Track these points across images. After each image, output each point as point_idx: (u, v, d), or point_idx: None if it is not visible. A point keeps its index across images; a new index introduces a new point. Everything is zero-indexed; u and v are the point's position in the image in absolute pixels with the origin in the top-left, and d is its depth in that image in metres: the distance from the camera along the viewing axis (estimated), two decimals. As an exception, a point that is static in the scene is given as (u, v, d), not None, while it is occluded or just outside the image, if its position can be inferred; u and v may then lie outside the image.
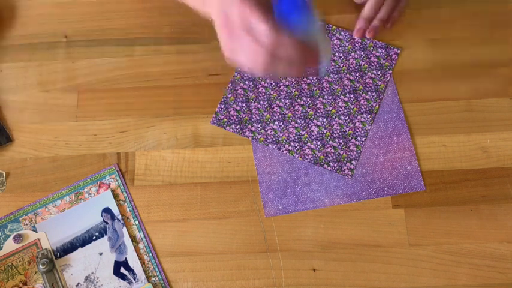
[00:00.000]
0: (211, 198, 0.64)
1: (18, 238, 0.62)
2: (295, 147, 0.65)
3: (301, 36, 0.46)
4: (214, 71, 0.70)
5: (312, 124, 0.66)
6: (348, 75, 0.68)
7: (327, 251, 0.61)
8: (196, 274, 0.60)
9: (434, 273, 0.59)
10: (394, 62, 0.68)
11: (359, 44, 0.70)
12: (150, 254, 0.61)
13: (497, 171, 0.63)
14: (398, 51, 0.69)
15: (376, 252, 0.60)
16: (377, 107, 0.66)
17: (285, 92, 0.68)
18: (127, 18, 0.74)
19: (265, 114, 0.67)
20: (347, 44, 0.70)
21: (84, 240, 0.62)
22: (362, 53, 0.70)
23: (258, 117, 0.67)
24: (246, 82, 0.69)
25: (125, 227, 0.62)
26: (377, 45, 0.70)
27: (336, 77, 0.68)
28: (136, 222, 0.63)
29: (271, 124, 0.66)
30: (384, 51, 0.69)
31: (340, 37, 0.71)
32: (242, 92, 0.68)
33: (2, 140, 0.67)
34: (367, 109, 0.66)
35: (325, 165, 0.64)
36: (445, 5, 0.73)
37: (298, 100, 0.67)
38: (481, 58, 0.69)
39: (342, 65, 0.69)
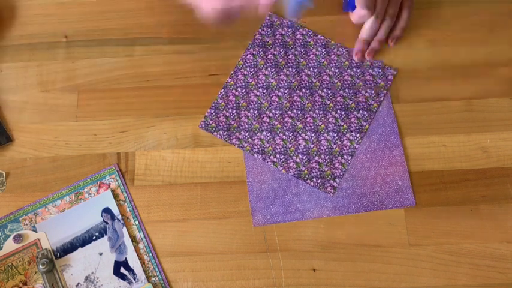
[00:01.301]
0: (211, 198, 0.64)
1: (18, 238, 0.62)
2: (281, 159, 0.64)
3: None
4: (214, 71, 0.70)
5: (300, 138, 0.65)
6: (341, 92, 0.68)
7: (327, 251, 0.61)
8: (196, 274, 0.60)
9: (434, 273, 0.59)
10: (389, 82, 0.68)
11: (356, 61, 0.69)
12: (150, 254, 0.61)
13: (497, 171, 0.63)
14: (395, 72, 0.68)
15: (376, 252, 0.60)
16: (367, 126, 0.66)
17: (276, 103, 0.67)
18: (127, 18, 0.74)
19: (254, 123, 0.66)
20: (344, 61, 0.69)
21: (84, 240, 0.62)
22: (358, 71, 0.69)
23: (246, 126, 0.66)
24: (239, 89, 0.68)
25: (125, 227, 0.62)
26: (374, 65, 0.69)
27: (329, 92, 0.68)
28: (136, 222, 0.63)
29: (259, 134, 0.66)
30: (380, 71, 0.69)
31: (338, 53, 0.70)
32: (233, 99, 0.68)
33: (2, 140, 0.67)
34: (357, 128, 0.66)
35: (308, 181, 0.63)
36: (445, 5, 0.73)
37: (289, 112, 0.67)
38: (481, 58, 0.69)
39: (336, 81, 0.68)
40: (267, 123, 0.67)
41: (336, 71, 0.69)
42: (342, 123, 0.66)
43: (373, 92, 0.67)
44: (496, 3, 0.72)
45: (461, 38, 0.71)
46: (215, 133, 0.66)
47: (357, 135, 0.65)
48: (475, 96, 0.67)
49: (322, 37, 0.71)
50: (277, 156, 0.65)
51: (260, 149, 0.65)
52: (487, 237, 0.60)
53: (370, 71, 0.69)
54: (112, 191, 0.64)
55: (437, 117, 0.66)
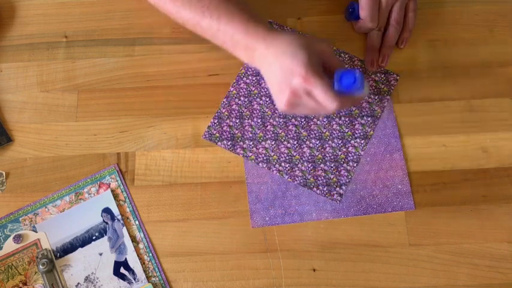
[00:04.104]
0: (211, 198, 0.64)
1: (18, 238, 0.62)
2: (286, 168, 0.64)
3: (352, 94, 0.54)
4: (214, 71, 0.70)
5: (305, 145, 0.65)
6: None
7: (327, 251, 0.61)
8: (196, 274, 0.60)
9: (434, 273, 0.59)
10: (392, 87, 0.67)
11: (358, 67, 0.69)
12: (150, 254, 0.61)
13: (497, 171, 0.63)
14: (398, 77, 0.68)
15: (376, 252, 0.60)
16: (371, 132, 0.65)
17: (279, 111, 0.67)
18: (127, 18, 0.74)
19: (258, 132, 0.66)
20: (346, 66, 0.69)
21: (84, 240, 0.62)
22: None
23: (250, 135, 0.66)
24: (242, 98, 0.68)
25: (125, 227, 0.62)
26: (377, 70, 0.69)
27: None
28: (136, 222, 0.63)
29: (263, 142, 0.65)
30: (383, 76, 0.68)
31: (340, 58, 0.69)
32: (237, 108, 0.67)
33: (2, 140, 0.67)
34: (362, 134, 0.65)
35: (315, 189, 0.63)
36: (445, 5, 0.73)
37: (292, 120, 0.66)
38: (481, 58, 0.69)
39: None
40: (271, 132, 0.66)
41: None
42: (347, 130, 0.66)
43: (376, 97, 0.67)
44: (496, 3, 0.72)
45: (461, 38, 0.71)
46: (219, 143, 0.66)
47: (362, 141, 0.65)
48: (475, 96, 0.67)
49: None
50: (283, 164, 0.64)
51: (265, 158, 0.65)
52: (487, 237, 0.60)
53: (373, 76, 0.68)
54: (112, 191, 0.64)
55: (437, 117, 0.66)
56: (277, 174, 0.64)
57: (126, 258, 0.61)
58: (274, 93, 0.54)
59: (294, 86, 0.52)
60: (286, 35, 0.54)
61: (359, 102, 0.59)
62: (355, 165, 0.64)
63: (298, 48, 0.52)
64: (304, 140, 0.65)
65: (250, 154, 0.65)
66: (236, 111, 0.67)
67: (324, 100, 0.51)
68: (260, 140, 0.66)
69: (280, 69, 0.53)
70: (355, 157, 0.64)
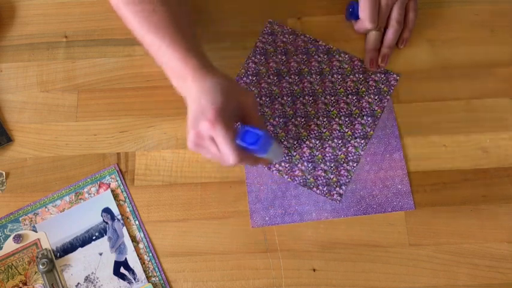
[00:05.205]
0: (211, 198, 0.64)
1: (18, 238, 0.62)
2: (286, 167, 0.64)
3: (256, 154, 0.53)
4: (214, 71, 0.70)
5: (305, 145, 0.65)
6: (344, 98, 0.67)
7: (327, 251, 0.61)
8: (196, 274, 0.60)
9: (434, 273, 0.59)
10: (392, 87, 0.68)
11: (358, 66, 0.69)
12: (150, 254, 0.61)
13: (497, 171, 0.63)
14: (398, 77, 0.68)
15: (376, 252, 0.60)
16: (371, 132, 0.65)
17: (279, 111, 0.67)
18: (127, 18, 0.74)
19: None
20: (346, 66, 0.69)
21: (84, 240, 0.62)
22: (361, 76, 0.68)
23: None
24: None
25: (124, 227, 0.62)
26: (376, 70, 0.69)
27: (332, 98, 0.67)
28: (136, 222, 0.63)
29: None
30: (383, 76, 0.68)
31: (340, 59, 0.69)
32: None
33: (2, 140, 0.67)
34: (362, 134, 0.65)
35: (315, 188, 0.63)
36: (445, 5, 0.73)
37: (293, 120, 0.66)
38: (481, 58, 0.69)
39: (339, 87, 0.68)
40: (271, 132, 0.66)
41: (339, 77, 0.69)
42: (347, 130, 0.66)
43: (376, 97, 0.67)
44: (496, 3, 0.72)
45: (461, 38, 0.71)
46: None
47: (362, 141, 0.65)
48: (475, 96, 0.67)
49: (323, 43, 0.70)
50: (282, 164, 0.64)
51: None
52: (487, 237, 0.60)
53: (373, 76, 0.68)
54: (112, 191, 0.64)
55: (437, 117, 0.66)
56: (277, 174, 0.64)
57: (126, 258, 0.61)
58: (187, 128, 0.54)
59: (199, 127, 0.52)
60: (216, 76, 0.54)
61: (266, 163, 0.61)
62: (355, 165, 0.64)
63: (218, 93, 0.52)
64: (304, 139, 0.65)
65: None
66: None
67: (223, 150, 0.51)
68: None
69: (196, 107, 0.52)
70: (355, 157, 0.64)
